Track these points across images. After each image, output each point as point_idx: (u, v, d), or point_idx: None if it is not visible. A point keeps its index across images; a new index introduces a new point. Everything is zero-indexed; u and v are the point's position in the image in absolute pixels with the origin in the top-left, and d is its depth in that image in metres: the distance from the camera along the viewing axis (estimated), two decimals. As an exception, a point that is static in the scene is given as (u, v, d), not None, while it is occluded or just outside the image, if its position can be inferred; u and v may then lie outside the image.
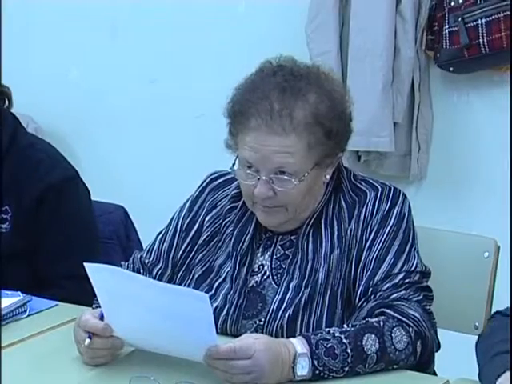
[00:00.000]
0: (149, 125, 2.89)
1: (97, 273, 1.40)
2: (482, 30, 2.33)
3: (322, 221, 1.54)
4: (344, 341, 1.42)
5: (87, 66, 2.93)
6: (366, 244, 1.52)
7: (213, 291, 1.56)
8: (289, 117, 1.46)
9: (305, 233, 1.55)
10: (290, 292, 1.52)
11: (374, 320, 1.46)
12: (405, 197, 1.57)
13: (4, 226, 1.81)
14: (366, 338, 1.43)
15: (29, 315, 1.64)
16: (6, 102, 1.87)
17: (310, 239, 1.54)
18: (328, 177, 1.54)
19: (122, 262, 1.69)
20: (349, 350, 1.41)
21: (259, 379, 1.36)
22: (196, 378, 1.38)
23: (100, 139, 2.93)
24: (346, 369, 1.41)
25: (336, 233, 1.53)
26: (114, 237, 2.00)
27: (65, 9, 2.91)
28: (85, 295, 1.70)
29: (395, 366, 1.46)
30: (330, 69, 1.57)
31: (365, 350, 1.42)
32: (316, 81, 1.51)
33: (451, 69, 2.42)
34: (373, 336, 1.44)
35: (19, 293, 1.66)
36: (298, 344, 1.41)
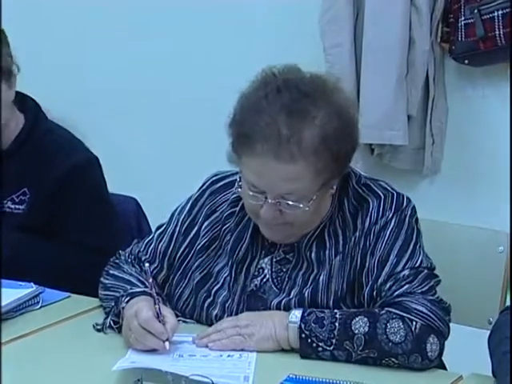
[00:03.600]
0: (161, 117, 2.89)
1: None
2: (499, 22, 2.30)
3: (326, 230, 1.53)
4: (336, 316, 1.45)
5: (100, 55, 2.92)
6: (368, 249, 1.51)
7: (211, 298, 1.55)
8: (297, 143, 1.42)
9: (308, 242, 1.53)
10: (292, 297, 1.51)
11: (376, 309, 1.47)
12: (409, 201, 1.55)
13: (22, 207, 1.85)
14: (357, 319, 1.44)
15: (41, 306, 1.65)
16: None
17: (314, 249, 1.53)
18: (334, 187, 1.52)
19: (121, 252, 1.68)
20: (337, 324, 1.44)
21: (252, 328, 1.44)
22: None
23: (112, 131, 2.93)
24: (333, 341, 1.42)
25: (341, 242, 1.52)
26: (125, 228, 2.01)
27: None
28: (88, 268, 1.73)
29: (394, 361, 1.43)
30: (336, 78, 1.51)
31: (352, 328, 1.43)
32: (323, 97, 1.45)
33: (466, 61, 2.40)
34: (365, 319, 1.44)
35: (32, 284, 1.67)
36: (296, 310, 1.46)
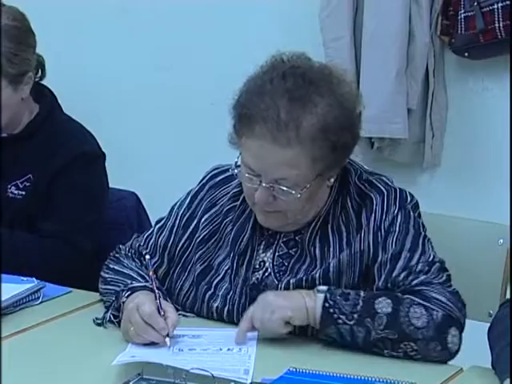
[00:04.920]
0: (161, 112, 2.88)
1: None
2: (498, 14, 2.30)
3: (329, 226, 1.53)
4: (361, 293, 1.46)
5: (99, 52, 2.92)
6: (379, 245, 1.50)
7: (212, 290, 1.55)
8: (295, 129, 1.42)
9: (311, 237, 1.53)
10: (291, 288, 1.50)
11: (398, 292, 1.47)
12: (412, 196, 1.55)
13: (23, 193, 1.85)
14: (380, 299, 1.45)
15: (42, 301, 1.65)
16: (40, 71, 1.91)
17: (317, 245, 1.53)
18: (332, 180, 1.52)
19: (121, 246, 1.68)
20: (360, 301, 1.45)
21: (277, 302, 1.44)
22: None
23: (112, 126, 2.93)
24: (355, 316, 1.43)
25: (345, 239, 1.52)
26: (125, 223, 2.01)
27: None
28: (60, 259, 1.76)
29: (413, 346, 1.43)
30: (343, 70, 1.51)
31: (375, 307, 1.44)
32: (327, 87, 1.46)
33: (466, 54, 2.40)
34: (388, 300, 1.45)
35: (34, 279, 1.67)
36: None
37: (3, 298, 1.57)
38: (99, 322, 1.56)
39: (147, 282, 1.54)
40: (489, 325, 1.48)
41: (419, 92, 2.47)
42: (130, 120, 2.93)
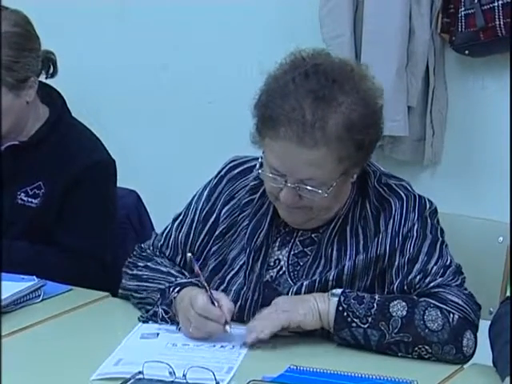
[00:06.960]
0: (161, 110, 2.88)
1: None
2: (499, 12, 2.30)
3: (348, 228, 1.52)
4: (375, 297, 1.46)
5: (97, 50, 2.92)
6: (396, 250, 1.50)
7: (225, 284, 1.54)
8: (321, 129, 1.41)
9: (330, 238, 1.52)
10: (304, 290, 1.50)
11: (414, 295, 1.47)
12: (431, 203, 1.55)
13: (34, 201, 1.82)
14: (395, 302, 1.45)
15: (43, 299, 1.65)
16: (52, 68, 1.88)
17: (335, 246, 1.52)
18: (355, 176, 1.51)
19: (143, 245, 1.67)
20: (375, 304, 1.44)
21: (291, 305, 1.43)
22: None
23: (112, 124, 2.92)
24: (369, 319, 1.43)
25: (361, 242, 1.51)
26: (126, 221, 2.01)
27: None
28: (85, 273, 1.73)
29: (428, 349, 1.43)
30: (364, 65, 1.50)
31: (389, 310, 1.44)
32: (350, 84, 1.45)
33: (467, 52, 2.40)
34: (403, 303, 1.45)
35: (34, 277, 1.67)
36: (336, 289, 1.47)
37: (4, 296, 1.57)
38: (145, 318, 1.53)
39: (188, 278, 1.54)
40: (489, 323, 1.48)
41: (419, 90, 2.47)
42: (127, 119, 2.93)
